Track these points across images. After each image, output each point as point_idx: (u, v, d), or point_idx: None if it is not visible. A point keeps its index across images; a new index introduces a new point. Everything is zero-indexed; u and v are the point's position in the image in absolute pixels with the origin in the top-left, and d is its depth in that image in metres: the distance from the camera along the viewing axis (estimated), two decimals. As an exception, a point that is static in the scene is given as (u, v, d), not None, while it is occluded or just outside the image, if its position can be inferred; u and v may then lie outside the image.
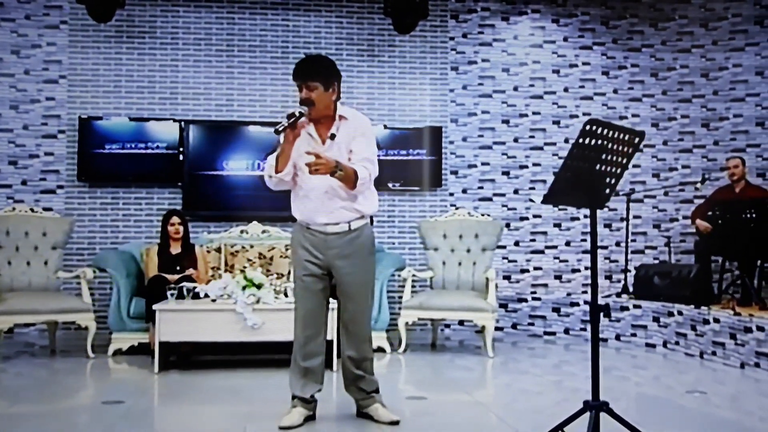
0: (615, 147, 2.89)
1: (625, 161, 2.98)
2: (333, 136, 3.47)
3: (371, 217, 3.64)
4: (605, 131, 2.79)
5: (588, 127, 2.72)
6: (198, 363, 5.63)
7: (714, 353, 5.67)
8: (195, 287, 5.47)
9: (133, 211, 7.30)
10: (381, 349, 6.00)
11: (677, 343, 6.16)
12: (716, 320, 5.65)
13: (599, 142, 2.81)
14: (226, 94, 7.53)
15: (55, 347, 6.16)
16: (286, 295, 5.41)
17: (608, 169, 2.95)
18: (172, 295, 5.34)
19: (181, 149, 7.27)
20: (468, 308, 5.96)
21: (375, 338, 5.81)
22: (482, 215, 6.93)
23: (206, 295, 5.37)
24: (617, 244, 7.92)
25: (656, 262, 7.77)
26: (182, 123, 7.31)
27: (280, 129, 3.37)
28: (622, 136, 2.87)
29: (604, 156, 2.88)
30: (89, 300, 5.94)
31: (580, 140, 2.73)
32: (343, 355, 3.67)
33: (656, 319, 6.46)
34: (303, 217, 3.55)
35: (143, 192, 7.33)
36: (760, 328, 5.16)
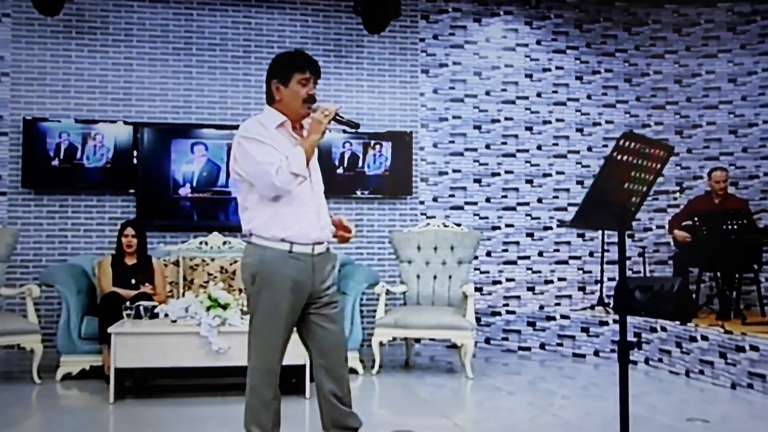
0: (644, 163, 2.59)
1: (652, 178, 2.68)
2: None
3: None
4: (638, 146, 2.47)
5: (622, 142, 2.41)
6: (156, 388, 5.18)
7: (702, 372, 5.44)
8: (154, 306, 5.03)
9: (83, 221, 6.78)
10: (353, 371, 5.60)
11: (660, 360, 5.92)
12: (704, 338, 5.42)
13: (631, 158, 2.50)
14: (183, 96, 7.07)
15: (-5, 370, 5.64)
16: (253, 314, 5.00)
17: (635, 187, 2.64)
18: (128, 315, 4.90)
19: (135, 154, 6.78)
20: (446, 326, 5.62)
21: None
22: (457, 225, 6.61)
23: (166, 315, 4.93)
24: (591, 254, 7.70)
25: (635, 275, 7.55)
26: (136, 126, 6.82)
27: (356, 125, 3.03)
28: (653, 151, 2.56)
29: (633, 173, 2.57)
30: (35, 320, 5.40)
31: (614, 156, 2.42)
32: (323, 391, 3.11)
33: (638, 335, 6.21)
34: (290, 235, 2.97)
35: (94, 200, 6.81)
36: (754, 348, 4.94)
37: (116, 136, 6.78)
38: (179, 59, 7.07)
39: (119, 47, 6.97)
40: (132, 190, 6.81)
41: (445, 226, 6.48)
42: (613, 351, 6.42)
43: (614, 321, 6.44)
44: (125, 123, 6.83)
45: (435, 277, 6.23)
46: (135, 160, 6.77)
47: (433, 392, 5.24)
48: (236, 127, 6.81)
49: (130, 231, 5.67)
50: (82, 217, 6.78)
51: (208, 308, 4.70)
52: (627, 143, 2.43)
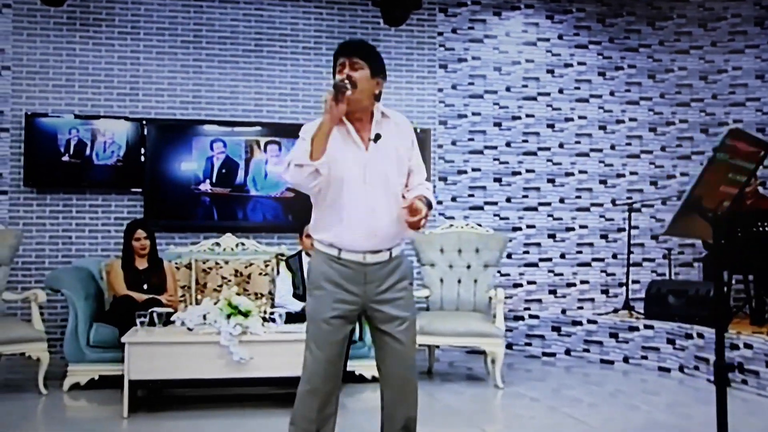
0: (740, 163, 2.32)
1: (744, 180, 2.41)
2: (378, 137, 2.72)
3: None
4: (741, 145, 2.20)
5: (728, 141, 2.13)
6: (172, 400, 4.88)
7: (744, 382, 5.17)
8: (169, 313, 4.73)
9: (88, 221, 6.47)
10: (376, 379, 5.32)
11: (696, 368, 5.65)
12: (748, 345, 5.15)
13: (729, 156, 2.23)
14: (192, 91, 6.76)
15: (-2, 380, 5.32)
16: (274, 321, 4.72)
17: (727, 190, 2.37)
18: (141, 322, 4.59)
19: (142, 151, 6.48)
20: (475, 333, 5.34)
21: (368, 367, 5.23)
22: (479, 226, 6.33)
23: (182, 323, 4.63)
24: (614, 256, 7.43)
25: (659, 277, 7.28)
26: (143, 122, 6.52)
27: (345, 85, 2.61)
28: (752, 149, 2.29)
29: (729, 174, 2.30)
30: (41, 327, 5.07)
31: (720, 156, 2.14)
32: (385, 412, 2.85)
33: (671, 341, 5.95)
34: (336, 241, 2.73)
35: (99, 199, 6.50)
36: (806, 357, 4.69)
37: (121, 133, 6.47)
38: (188, 53, 6.76)
39: (125, 40, 6.66)
40: (140, 189, 6.50)
41: (469, 227, 6.20)
42: (644, 357, 6.16)
43: (645, 326, 6.17)
44: (126, 119, 6.52)
45: (459, 281, 5.95)
46: (142, 159, 6.47)
47: (457, 400, 5.01)
48: (248, 124, 6.69)
49: (141, 233, 5.36)
50: (86, 217, 6.46)
51: (229, 316, 4.41)
52: (732, 142, 2.15)
